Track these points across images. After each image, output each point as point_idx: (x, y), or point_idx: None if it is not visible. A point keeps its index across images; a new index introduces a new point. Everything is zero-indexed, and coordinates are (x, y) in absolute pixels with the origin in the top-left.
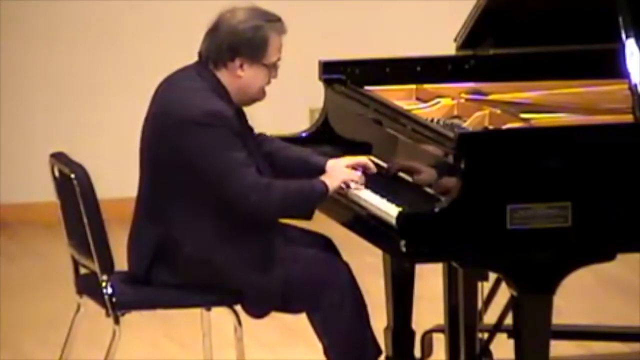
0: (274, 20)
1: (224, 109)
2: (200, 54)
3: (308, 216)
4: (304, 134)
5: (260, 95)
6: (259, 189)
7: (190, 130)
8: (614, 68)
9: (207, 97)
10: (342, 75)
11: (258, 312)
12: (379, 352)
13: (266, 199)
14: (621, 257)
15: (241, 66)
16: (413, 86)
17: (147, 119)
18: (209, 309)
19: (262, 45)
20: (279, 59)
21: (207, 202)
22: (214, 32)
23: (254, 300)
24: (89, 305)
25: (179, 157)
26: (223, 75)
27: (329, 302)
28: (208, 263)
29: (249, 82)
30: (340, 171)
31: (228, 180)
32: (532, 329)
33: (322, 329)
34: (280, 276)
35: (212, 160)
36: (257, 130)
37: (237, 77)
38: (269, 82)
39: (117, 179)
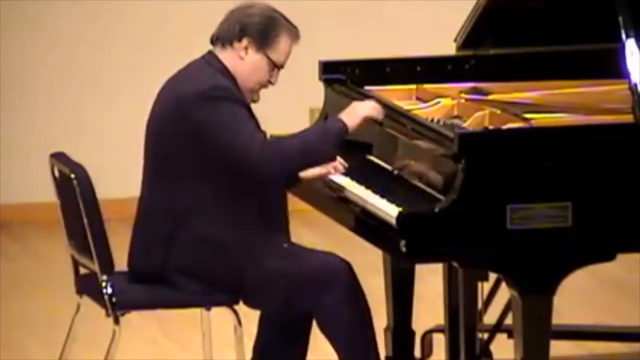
0: (291, 25)
1: (231, 85)
2: (212, 37)
3: (332, 156)
4: None
5: (255, 94)
6: (268, 153)
7: (198, 105)
8: (614, 68)
9: (215, 76)
10: (342, 75)
11: (259, 300)
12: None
13: (278, 161)
14: (621, 257)
15: (246, 48)
16: (413, 86)
17: (153, 110)
18: (209, 309)
19: (272, 35)
20: (282, 66)
21: (215, 182)
22: (231, 13)
23: (256, 287)
24: (89, 305)
25: (189, 133)
26: (228, 56)
27: (330, 302)
28: (214, 244)
29: (249, 70)
30: (360, 108)
31: (239, 150)
32: (532, 329)
33: (324, 329)
34: (284, 266)
35: (222, 129)
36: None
37: (240, 58)
38: (266, 85)
39: (118, 179)
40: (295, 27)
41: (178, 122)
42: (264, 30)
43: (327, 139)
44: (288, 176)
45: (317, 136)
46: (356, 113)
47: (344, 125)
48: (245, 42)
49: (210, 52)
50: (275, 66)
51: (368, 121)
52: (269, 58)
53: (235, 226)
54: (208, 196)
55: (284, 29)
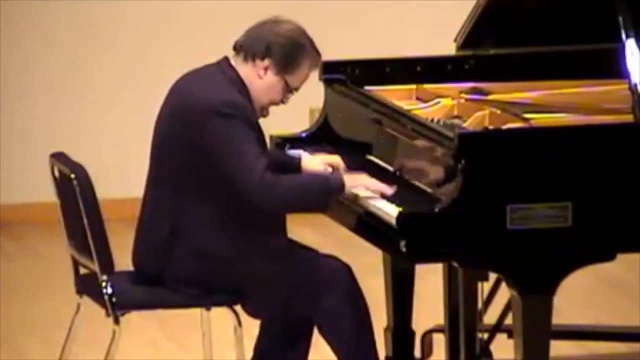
0: (316, 52)
1: (242, 101)
2: (235, 44)
3: (320, 211)
4: (304, 134)
5: (265, 111)
6: (267, 183)
7: (208, 119)
8: (614, 68)
9: (227, 88)
10: (342, 75)
11: (259, 309)
12: None
13: (273, 193)
14: (621, 257)
15: (266, 69)
16: (413, 86)
17: (162, 110)
18: (209, 309)
19: (295, 62)
20: (297, 89)
21: (217, 194)
22: (260, 27)
23: (255, 294)
24: (89, 305)
25: (195, 146)
26: (246, 69)
27: (329, 306)
28: (213, 256)
29: (264, 89)
30: (363, 177)
31: (239, 172)
32: (532, 329)
33: (324, 331)
34: (283, 270)
35: (227, 149)
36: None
37: (258, 77)
38: (278, 104)
39: (117, 179)
40: (319, 53)
41: (184, 134)
42: (288, 55)
43: (324, 193)
44: (277, 212)
45: (316, 187)
46: (357, 182)
47: (343, 187)
48: (267, 62)
49: (225, 59)
50: (290, 90)
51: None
52: (286, 82)
53: (234, 237)
54: (208, 208)
55: (308, 57)
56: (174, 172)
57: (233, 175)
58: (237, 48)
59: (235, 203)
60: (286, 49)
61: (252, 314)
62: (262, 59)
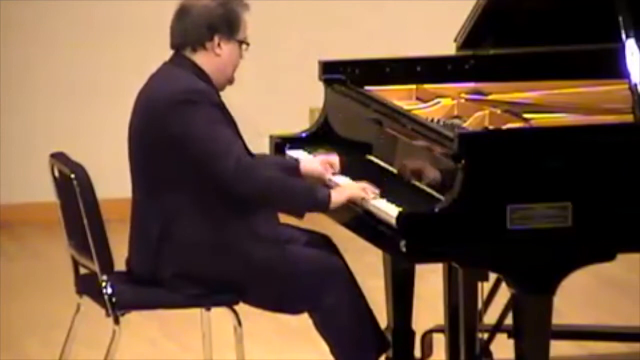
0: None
1: (204, 86)
2: (174, 44)
3: (298, 215)
4: (304, 134)
5: (232, 78)
6: (244, 166)
7: (174, 110)
8: (614, 68)
9: (185, 78)
10: (342, 75)
11: (258, 298)
12: (384, 344)
13: (251, 175)
14: (621, 257)
15: (219, 44)
16: (413, 86)
17: (131, 122)
18: (209, 309)
19: (236, 21)
20: (246, 38)
21: (197, 186)
22: (183, 17)
23: (253, 287)
24: (89, 305)
25: (166, 138)
26: (202, 57)
27: (328, 302)
28: (206, 247)
29: (226, 60)
30: (349, 187)
31: (215, 157)
32: (532, 329)
33: (322, 329)
34: (277, 259)
35: (199, 136)
36: (257, 131)
37: (216, 55)
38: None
39: (117, 179)
40: None
41: (155, 135)
42: (229, 19)
43: (306, 199)
44: (254, 195)
45: (300, 188)
46: (344, 192)
47: (329, 201)
48: (217, 39)
49: (177, 54)
50: (244, 43)
51: (351, 201)
52: (238, 42)
53: (223, 226)
54: (194, 201)
55: (238, 7)
56: (154, 176)
57: (209, 161)
58: (178, 46)
59: (218, 191)
60: (225, 16)
61: (252, 304)
62: (211, 38)
